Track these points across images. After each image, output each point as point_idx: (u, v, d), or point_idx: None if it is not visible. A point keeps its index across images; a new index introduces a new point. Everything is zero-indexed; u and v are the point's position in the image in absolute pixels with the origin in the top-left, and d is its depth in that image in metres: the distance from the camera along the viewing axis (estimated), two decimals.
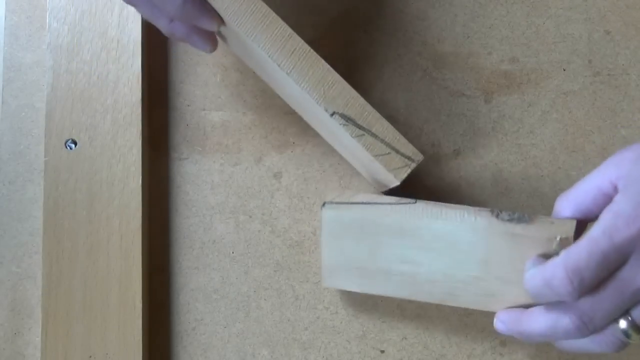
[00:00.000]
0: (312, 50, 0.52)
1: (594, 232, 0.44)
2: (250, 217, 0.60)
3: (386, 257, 0.54)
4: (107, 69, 0.61)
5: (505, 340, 0.57)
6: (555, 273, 0.45)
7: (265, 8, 0.52)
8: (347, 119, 0.51)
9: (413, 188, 0.60)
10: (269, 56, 0.51)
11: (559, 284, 0.45)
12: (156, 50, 0.63)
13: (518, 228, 0.51)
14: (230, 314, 0.58)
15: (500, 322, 0.51)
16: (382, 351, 0.57)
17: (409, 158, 0.52)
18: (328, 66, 0.52)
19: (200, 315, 0.58)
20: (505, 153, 0.60)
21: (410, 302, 0.58)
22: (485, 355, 0.56)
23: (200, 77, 0.63)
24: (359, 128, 0.51)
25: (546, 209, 0.59)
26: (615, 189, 0.46)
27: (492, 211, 0.52)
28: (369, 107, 0.51)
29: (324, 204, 0.54)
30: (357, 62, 0.63)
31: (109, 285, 0.57)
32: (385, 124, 0.51)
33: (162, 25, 0.53)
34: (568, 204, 0.48)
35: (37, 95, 0.63)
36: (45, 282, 0.57)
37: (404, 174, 0.52)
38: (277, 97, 0.62)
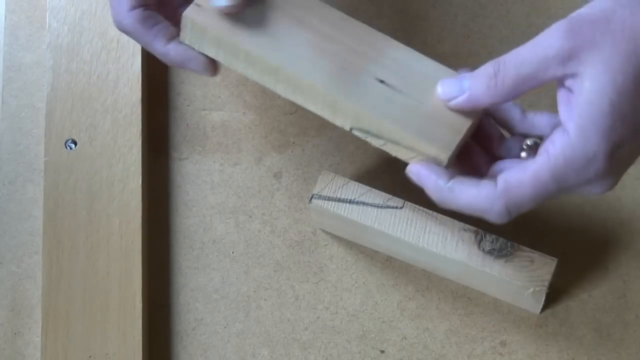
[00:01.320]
0: (311, 72, 0.49)
1: (543, 173, 0.43)
2: (250, 217, 0.60)
3: (372, 243, 0.57)
4: (107, 69, 0.61)
5: (505, 340, 0.57)
6: (495, 206, 0.44)
7: (244, 50, 0.49)
8: (365, 132, 0.49)
9: (413, 188, 0.60)
10: (271, 87, 0.50)
11: (496, 216, 0.45)
12: None
13: (496, 266, 0.52)
14: (230, 314, 0.58)
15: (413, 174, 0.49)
16: (382, 351, 0.57)
17: (436, 159, 0.48)
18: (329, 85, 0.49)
19: (200, 315, 0.58)
20: None
21: (410, 301, 0.58)
22: (485, 355, 0.56)
23: (200, 77, 0.63)
24: (379, 138, 0.49)
25: (546, 208, 0.58)
26: (568, 83, 0.43)
27: (476, 233, 0.53)
28: (377, 119, 0.48)
29: (311, 197, 0.54)
30: None
31: (109, 285, 0.57)
32: (401, 131, 0.48)
33: (157, 53, 0.52)
34: (511, 77, 0.44)
35: (37, 95, 0.63)
36: (45, 282, 0.57)
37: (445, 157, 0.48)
38: (277, 97, 0.62)
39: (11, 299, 0.59)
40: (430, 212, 0.53)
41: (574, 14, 0.43)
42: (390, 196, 0.54)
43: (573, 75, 0.42)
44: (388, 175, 0.60)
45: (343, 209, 0.54)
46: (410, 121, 0.48)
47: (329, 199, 0.54)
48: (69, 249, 0.57)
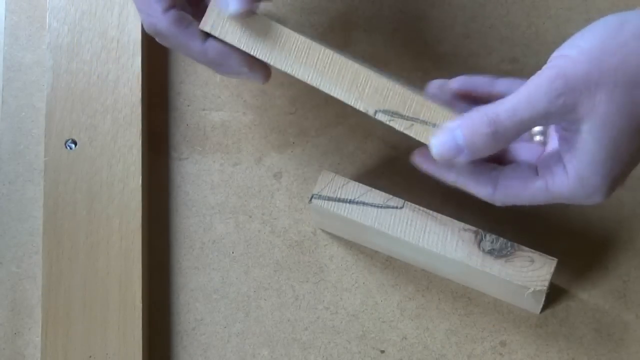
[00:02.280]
0: (336, 53, 0.49)
1: (540, 197, 0.47)
2: (250, 217, 0.60)
3: (372, 243, 0.58)
4: (107, 69, 0.61)
5: (505, 340, 0.57)
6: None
7: (277, 26, 0.49)
8: (392, 114, 0.48)
9: (413, 188, 0.60)
10: (295, 73, 0.50)
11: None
12: (156, 50, 0.63)
13: (496, 265, 0.52)
14: (230, 314, 0.58)
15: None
16: (382, 351, 0.57)
17: None
18: (357, 65, 0.49)
19: (200, 315, 0.58)
20: None
21: (410, 301, 0.58)
22: (485, 355, 0.56)
23: (200, 77, 0.63)
24: (407, 119, 0.48)
25: (546, 209, 0.58)
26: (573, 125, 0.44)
27: (476, 233, 0.53)
28: (410, 94, 0.48)
29: (311, 197, 0.54)
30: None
31: (109, 285, 0.57)
32: (433, 106, 0.48)
33: (195, 53, 0.52)
34: (510, 133, 0.45)
35: (37, 95, 0.63)
36: (45, 282, 0.57)
37: None
38: (277, 97, 0.62)
39: (11, 299, 0.59)
40: (430, 212, 0.54)
41: (562, 65, 0.44)
42: (390, 196, 0.54)
43: (572, 121, 0.44)
44: (388, 176, 0.60)
45: (343, 209, 0.54)
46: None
47: (329, 198, 0.54)
48: (69, 249, 0.57)
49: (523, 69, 0.62)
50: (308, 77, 0.50)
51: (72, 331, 0.56)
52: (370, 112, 0.49)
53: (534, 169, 0.48)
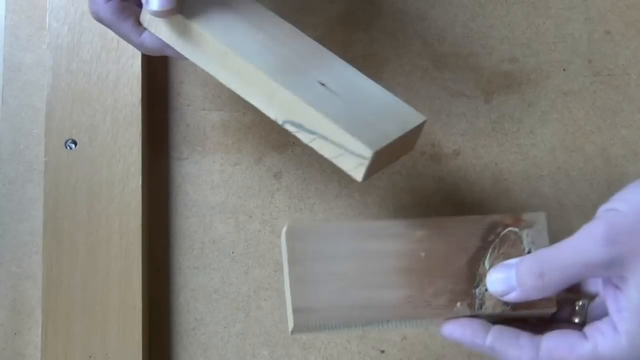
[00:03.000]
0: (248, 63, 0.49)
1: (587, 358, 0.45)
2: (250, 217, 0.60)
3: None
4: (107, 69, 0.61)
5: None
6: None
7: (197, 30, 0.50)
8: (297, 126, 0.49)
9: (413, 188, 0.60)
10: (215, 76, 0.51)
11: None
12: None
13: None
14: (230, 314, 0.58)
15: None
16: (382, 351, 0.57)
17: (360, 156, 0.47)
18: (266, 76, 0.49)
19: (200, 315, 0.58)
20: (505, 153, 0.60)
21: None
22: (485, 355, 0.56)
23: (200, 77, 0.63)
24: (310, 133, 0.49)
25: (546, 209, 0.58)
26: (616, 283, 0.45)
27: (470, 306, 0.49)
28: (311, 110, 0.48)
29: (291, 331, 0.48)
30: (357, 62, 0.63)
31: (109, 285, 0.57)
32: (331, 125, 0.48)
33: (134, 44, 0.53)
34: (557, 277, 0.46)
35: (37, 95, 0.63)
36: (45, 282, 0.57)
37: (360, 173, 0.48)
38: None
39: (11, 299, 0.59)
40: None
41: (611, 217, 0.44)
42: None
43: (618, 277, 0.44)
44: (387, 175, 0.60)
45: (327, 332, 0.49)
46: (342, 118, 0.48)
47: (309, 330, 0.48)
48: (69, 249, 0.57)
49: (523, 69, 0.62)
50: (225, 80, 0.51)
51: (72, 331, 0.56)
52: (280, 122, 0.50)
53: (580, 331, 0.46)
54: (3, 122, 0.63)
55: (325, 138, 0.48)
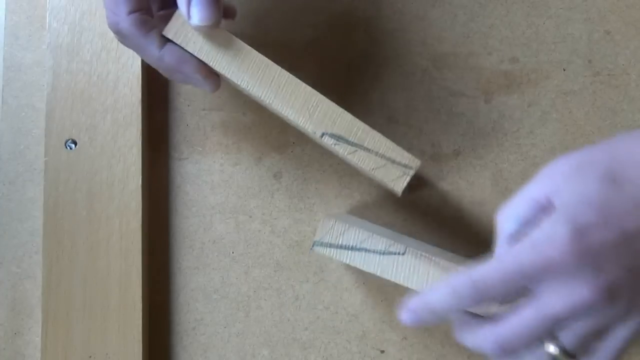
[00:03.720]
0: (291, 75, 0.52)
1: (508, 253, 0.43)
2: (250, 217, 0.60)
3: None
4: (107, 69, 0.61)
5: None
6: (462, 281, 0.43)
7: (238, 42, 0.51)
8: (338, 138, 0.51)
9: (413, 188, 0.60)
10: (249, 88, 0.52)
11: (464, 291, 0.43)
12: None
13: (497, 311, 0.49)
14: (230, 314, 0.58)
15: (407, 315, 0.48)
16: (382, 351, 0.57)
17: (405, 166, 0.51)
18: (310, 88, 0.52)
19: (200, 315, 0.58)
20: (505, 153, 0.60)
21: None
22: (485, 355, 0.56)
23: None
24: (351, 145, 0.51)
25: None
26: (551, 204, 0.44)
27: None
28: (357, 122, 0.51)
29: (313, 244, 0.53)
30: (357, 62, 0.63)
31: (109, 285, 0.57)
32: (377, 135, 0.51)
33: (152, 57, 0.53)
34: (509, 218, 0.46)
35: (37, 95, 0.63)
36: (45, 282, 0.57)
37: (403, 183, 0.51)
38: None
39: (11, 299, 0.59)
40: (433, 258, 0.52)
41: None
42: (392, 242, 0.53)
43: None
44: None
45: (345, 256, 0.53)
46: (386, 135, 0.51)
47: (331, 245, 0.53)
48: (69, 249, 0.57)
49: (523, 69, 0.62)
50: (262, 94, 0.52)
51: (72, 331, 0.56)
52: (318, 134, 0.51)
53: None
54: (3, 122, 0.63)
55: (368, 150, 0.51)
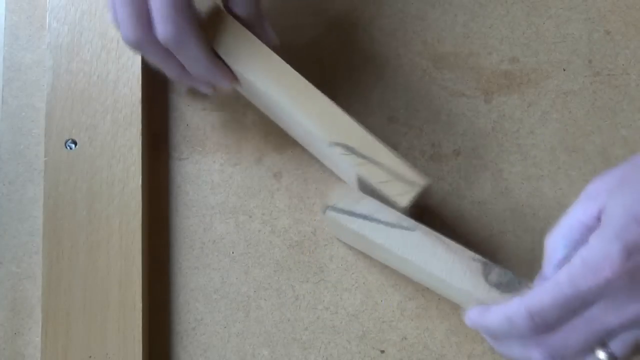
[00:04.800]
0: (309, 83, 0.52)
1: (561, 276, 0.43)
2: (250, 217, 0.60)
3: (384, 259, 0.57)
4: (107, 69, 0.61)
5: None
6: (518, 310, 0.44)
7: (264, 47, 0.53)
8: (347, 149, 0.52)
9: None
10: (267, 92, 0.52)
11: (521, 322, 0.44)
12: None
13: (500, 301, 0.49)
14: (230, 314, 0.58)
15: (470, 320, 0.50)
16: (382, 351, 0.57)
17: (412, 183, 0.51)
18: (327, 98, 0.52)
19: (200, 315, 0.58)
20: (505, 153, 0.60)
21: (410, 301, 0.58)
22: (485, 355, 0.56)
23: None
24: (361, 157, 0.51)
25: (546, 209, 0.59)
26: (598, 221, 0.44)
27: (485, 264, 0.51)
28: (369, 137, 0.52)
29: (327, 207, 0.54)
30: (357, 62, 0.63)
31: (109, 285, 0.57)
32: (387, 151, 0.51)
33: (173, 75, 0.55)
34: (559, 244, 0.47)
35: (37, 95, 0.63)
36: (45, 282, 0.57)
37: (407, 200, 0.51)
38: None
39: (11, 299, 0.59)
40: (442, 237, 0.52)
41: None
42: (405, 217, 0.53)
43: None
44: None
45: (355, 224, 0.54)
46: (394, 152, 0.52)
47: (343, 212, 0.54)
48: (69, 249, 0.57)
49: (523, 69, 0.62)
50: (278, 97, 0.53)
51: (72, 331, 0.56)
52: (327, 142, 0.52)
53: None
54: (3, 122, 0.63)
55: (376, 163, 0.51)
